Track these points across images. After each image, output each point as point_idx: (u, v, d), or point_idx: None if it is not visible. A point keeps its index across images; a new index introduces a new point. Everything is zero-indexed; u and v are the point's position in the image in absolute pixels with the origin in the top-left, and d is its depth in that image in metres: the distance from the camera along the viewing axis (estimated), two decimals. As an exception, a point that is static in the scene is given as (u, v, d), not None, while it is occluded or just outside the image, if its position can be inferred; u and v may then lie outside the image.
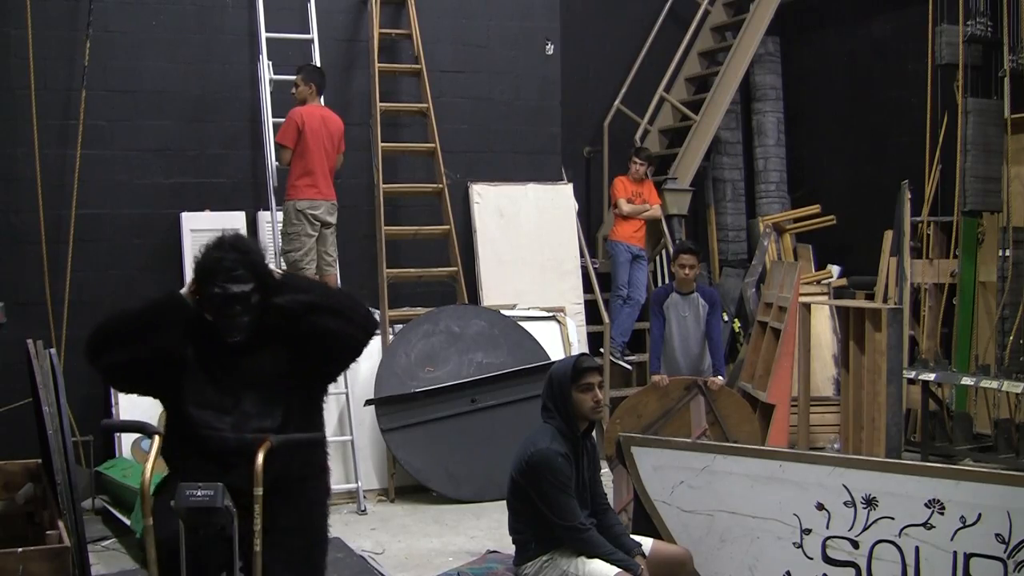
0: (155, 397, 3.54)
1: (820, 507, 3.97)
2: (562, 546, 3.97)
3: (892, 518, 3.82)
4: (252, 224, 7.31)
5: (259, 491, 3.16)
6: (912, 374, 7.19)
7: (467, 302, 7.45)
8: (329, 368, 3.62)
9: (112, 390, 6.62)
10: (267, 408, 3.39)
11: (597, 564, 3.88)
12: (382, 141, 7.38)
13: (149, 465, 3.22)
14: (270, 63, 7.16)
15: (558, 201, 8.36)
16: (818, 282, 9.04)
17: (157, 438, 3.33)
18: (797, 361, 7.23)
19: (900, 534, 3.81)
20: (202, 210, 7.19)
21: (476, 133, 8.18)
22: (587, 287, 8.38)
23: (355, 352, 3.59)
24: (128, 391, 3.60)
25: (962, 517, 3.69)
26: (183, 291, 3.52)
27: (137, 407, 6.37)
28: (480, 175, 8.14)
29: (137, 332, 3.38)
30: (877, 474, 3.89)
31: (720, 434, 6.48)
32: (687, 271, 6.67)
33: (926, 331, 8.13)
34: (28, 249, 6.76)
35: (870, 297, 8.53)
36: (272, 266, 3.58)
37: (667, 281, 8.56)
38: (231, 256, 3.41)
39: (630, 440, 4.44)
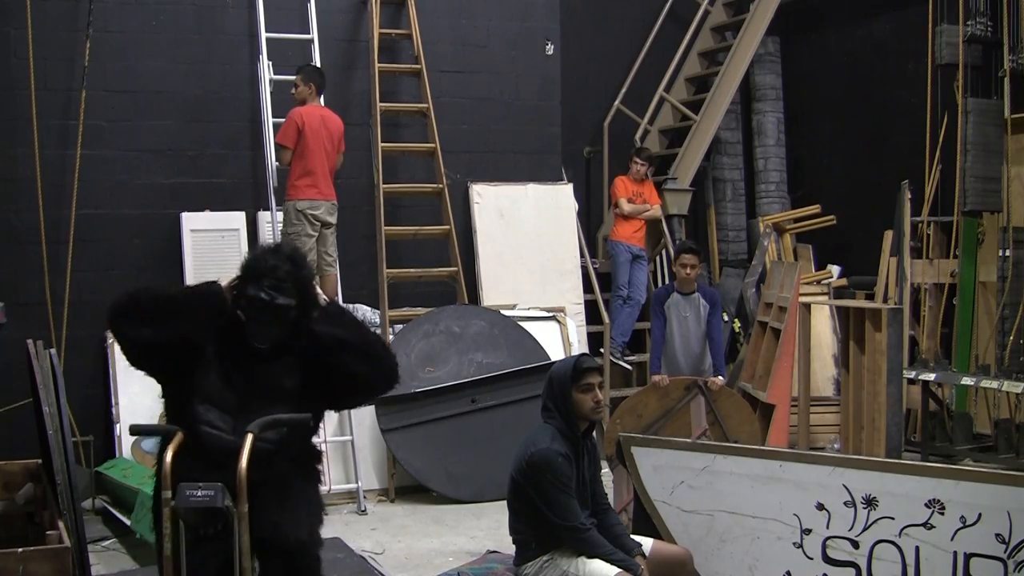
0: (161, 381, 3.52)
1: (820, 507, 3.97)
2: (562, 546, 3.97)
3: (892, 518, 3.82)
4: (252, 224, 7.31)
5: (244, 508, 3.13)
6: (912, 374, 7.19)
7: (467, 302, 7.45)
8: (341, 403, 3.63)
9: (112, 390, 6.63)
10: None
11: (597, 564, 3.88)
12: (382, 141, 7.38)
13: (170, 449, 3.21)
14: (270, 63, 7.16)
15: (558, 201, 8.36)
16: (818, 282, 9.04)
17: (180, 434, 3.30)
18: (797, 361, 7.23)
19: (900, 534, 3.81)
20: (202, 210, 7.19)
21: (476, 133, 8.17)
22: (587, 287, 8.38)
23: (371, 398, 3.65)
24: (137, 366, 3.53)
25: (962, 517, 3.68)
26: (224, 284, 3.50)
27: (137, 408, 6.42)
28: (480, 175, 8.14)
29: (167, 314, 3.35)
30: (877, 474, 3.89)
31: (720, 434, 6.48)
32: (688, 271, 6.67)
33: (926, 331, 8.13)
34: (28, 249, 6.75)
35: (870, 297, 8.53)
36: (319, 292, 3.58)
37: (667, 281, 8.57)
38: (286, 267, 3.41)
39: (630, 440, 4.44)
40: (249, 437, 3.19)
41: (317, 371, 3.46)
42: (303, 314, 3.44)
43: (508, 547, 4.42)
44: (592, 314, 8.38)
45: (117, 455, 6.54)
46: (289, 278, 3.40)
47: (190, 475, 3.16)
